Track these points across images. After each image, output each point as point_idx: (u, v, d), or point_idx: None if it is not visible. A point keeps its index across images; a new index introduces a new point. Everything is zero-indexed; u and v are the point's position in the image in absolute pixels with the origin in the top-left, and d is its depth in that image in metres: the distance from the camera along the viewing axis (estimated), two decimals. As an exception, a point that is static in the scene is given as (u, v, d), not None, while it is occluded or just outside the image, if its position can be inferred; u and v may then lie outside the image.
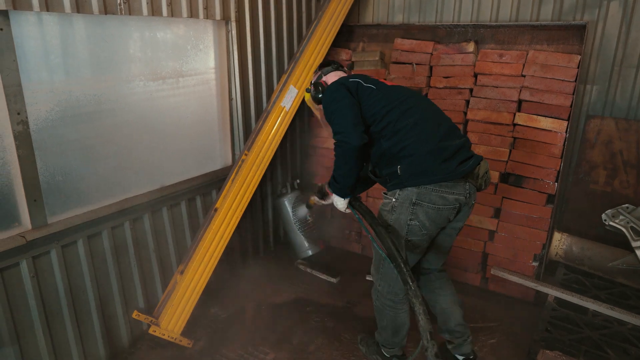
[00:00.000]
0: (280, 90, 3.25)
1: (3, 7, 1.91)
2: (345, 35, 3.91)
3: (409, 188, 2.08)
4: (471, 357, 2.45)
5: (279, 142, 3.19)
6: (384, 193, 2.23)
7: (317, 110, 2.57)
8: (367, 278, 3.49)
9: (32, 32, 2.11)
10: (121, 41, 2.52)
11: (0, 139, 2.04)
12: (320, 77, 2.50)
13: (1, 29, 1.96)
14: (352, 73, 2.51)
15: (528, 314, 3.05)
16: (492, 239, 3.27)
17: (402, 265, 1.96)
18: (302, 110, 3.92)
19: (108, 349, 2.60)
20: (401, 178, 2.09)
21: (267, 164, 3.14)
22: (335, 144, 2.17)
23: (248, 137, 3.30)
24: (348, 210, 2.38)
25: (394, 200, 2.13)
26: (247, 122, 3.41)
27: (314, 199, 2.73)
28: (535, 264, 3.13)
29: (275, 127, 3.15)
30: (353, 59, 3.82)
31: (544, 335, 2.61)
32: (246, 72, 3.31)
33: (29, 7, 2.01)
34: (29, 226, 2.19)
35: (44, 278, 2.27)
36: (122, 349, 2.70)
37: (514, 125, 3.15)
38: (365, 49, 3.87)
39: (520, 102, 3.15)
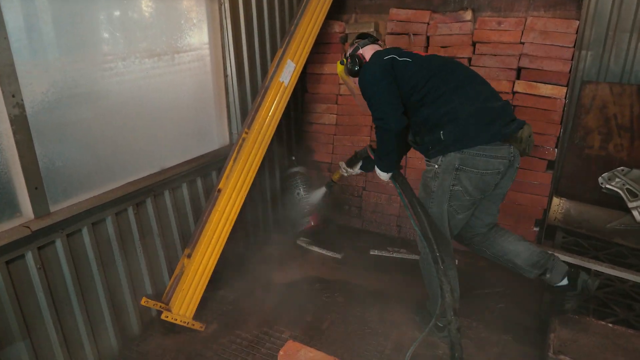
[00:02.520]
0: (277, 65, 3.16)
1: (-9, -21, 1.75)
2: (337, 7, 3.81)
3: (452, 153, 2.07)
4: (571, 270, 2.30)
5: (279, 118, 3.11)
6: (427, 160, 2.23)
7: (352, 83, 2.54)
8: (371, 253, 3.49)
9: (23, 7, 1.96)
10: (114, 17, 2.37)
11: (-4, 123, 1.91)
12: (357, 49, 2.45)
13: (-11, 4, 1.80)
14: (387, 47, 2.46)
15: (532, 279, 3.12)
16: (494, 207, 3.32)
17: (433, 246, 1.99)
18: (296, 86, 3.83)
19: (119, 338, 2.53)
20: (444, 143, 2.08)
21: (269, 141, 3.06)
22: (376, 127, 2.22)
23: (246, 115, 3.21)
24: (390, 183, 2.41)
25: (436, 166, 2.14)
26: (244, 100, 3.30)
27: (343, 170, 2.71)
28: (537, 229, 3.20)
29: (275, 103, 3.07)
30: (347, 31, 3.74)
31: (552, 297, 2.68)
32: (240, 47, 3.19)
33: (18, -21, 1.85)
34: (32, 215, 2.08)
35: (50, 269, 2.16)
36: (134, 336, 2.63)
37: (514, 93, 3.16)
38: (358, 21, 3.79)
39: (519, 69, 3.16)
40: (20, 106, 1.96)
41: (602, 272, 2.88)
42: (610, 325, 2.23)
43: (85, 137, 2.32)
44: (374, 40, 2.49)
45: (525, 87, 3.11)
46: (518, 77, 3.16)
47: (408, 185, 2.30)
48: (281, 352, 2.10)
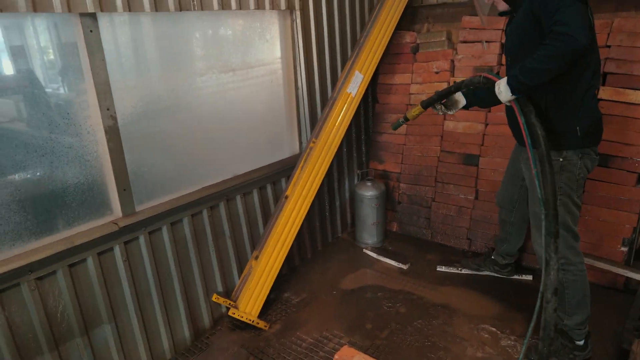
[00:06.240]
0: (346, 77, 3.25)
1: (92, 10, 2.05)
2: (409, 17, 3.82)
3: (578, 149, 2.15)
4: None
5: (346, 128, 3.19)
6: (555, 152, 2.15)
7: None
8: (438, 269, 3.39)
9: (116, 32, 2.26)
10: (194, 37, 2.63)
11: (93, 133, 2.21)
12: None
13: (91, 31, 2.10)
14: None
15: (616, 302, 2.85)
16: (574, 223, 3.08)
17: (553, 213, 1.88)
18: (367, 96, 3.90)
19: (192, 329, 2.75)
20: (579, 138, 2.14)
21: (335, 150, 3.15)
22: (552, 36, 1.86)
23: (315, 125, 3.33)
24: (509, 103, 2.07)
25: (561, 160, 2.17)
26: (313, 110, 3.43)
27: (438, 106, 2.47)
28: (625, 248, 2.91)
29: (342, 114, 3.16)
30: (418, 41, 3.72)
31: (638, 324, 2.43)
32: (311, 60, 3.34)
33: (114, 9, 2.14)
34: (120, 214, 2.36)
35: (134, 262, 2.44)
36: (204, 329, 2.85)
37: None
38: (431, 30, 3.76)
39: (604, 75, 2.92)
40: (114, 118, 2.26)
41: (703, 301, 2.55)
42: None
43: (167, 146, 2.59)
44: None
45: (611, 94, 2.87)
46: (603, 83, 2.92)
47: (536, 117, 1.97)
48: (336, 356, 2.15)
